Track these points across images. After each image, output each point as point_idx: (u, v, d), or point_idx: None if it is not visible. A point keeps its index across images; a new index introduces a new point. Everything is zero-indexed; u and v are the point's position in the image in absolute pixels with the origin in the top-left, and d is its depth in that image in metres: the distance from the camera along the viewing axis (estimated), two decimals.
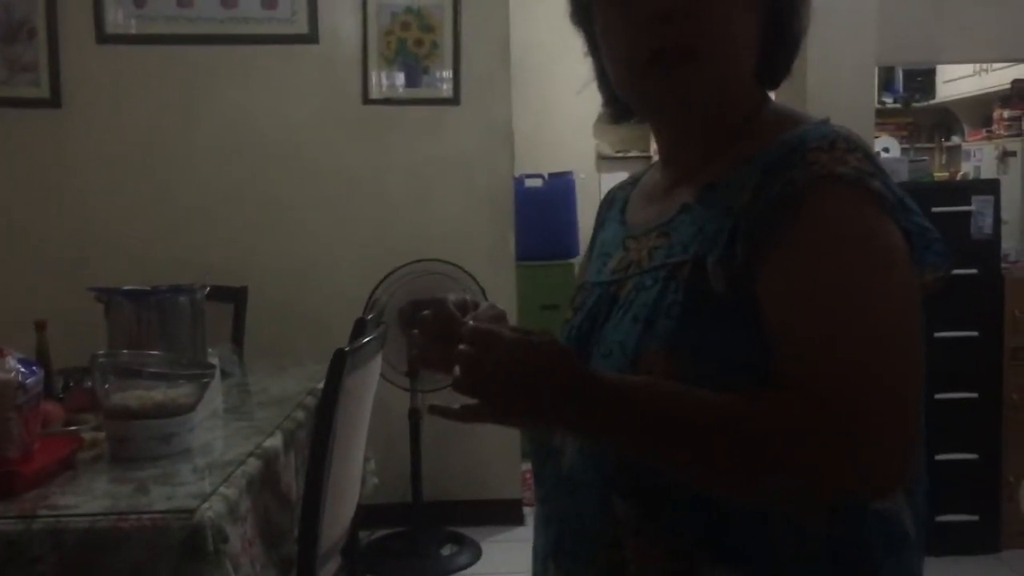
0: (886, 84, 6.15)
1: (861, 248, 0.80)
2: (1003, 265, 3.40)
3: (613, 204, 1.11)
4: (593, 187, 6.15)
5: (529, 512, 3.84)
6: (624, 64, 0.93)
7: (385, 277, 3.35)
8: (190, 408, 1.88)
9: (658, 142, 1.02)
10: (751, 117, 0.94)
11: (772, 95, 1.01)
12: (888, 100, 6.18)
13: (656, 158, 1.06)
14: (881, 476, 0.76)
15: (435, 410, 0.86)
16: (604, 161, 6.34)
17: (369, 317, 2.34)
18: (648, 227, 0.97)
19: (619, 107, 1.02)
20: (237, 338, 3.19)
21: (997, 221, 3.28)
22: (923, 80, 6.08)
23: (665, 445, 0.80)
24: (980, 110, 5.60)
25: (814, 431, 0.74)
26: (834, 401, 0.74)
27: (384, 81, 3.65)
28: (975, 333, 3.27)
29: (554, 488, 0.97)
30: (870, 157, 0.85)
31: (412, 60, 3.64)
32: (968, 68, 5.39)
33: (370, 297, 3.33)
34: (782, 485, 0.77)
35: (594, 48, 0.99)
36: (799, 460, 0.75)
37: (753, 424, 0.76)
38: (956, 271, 3.03)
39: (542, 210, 4.87)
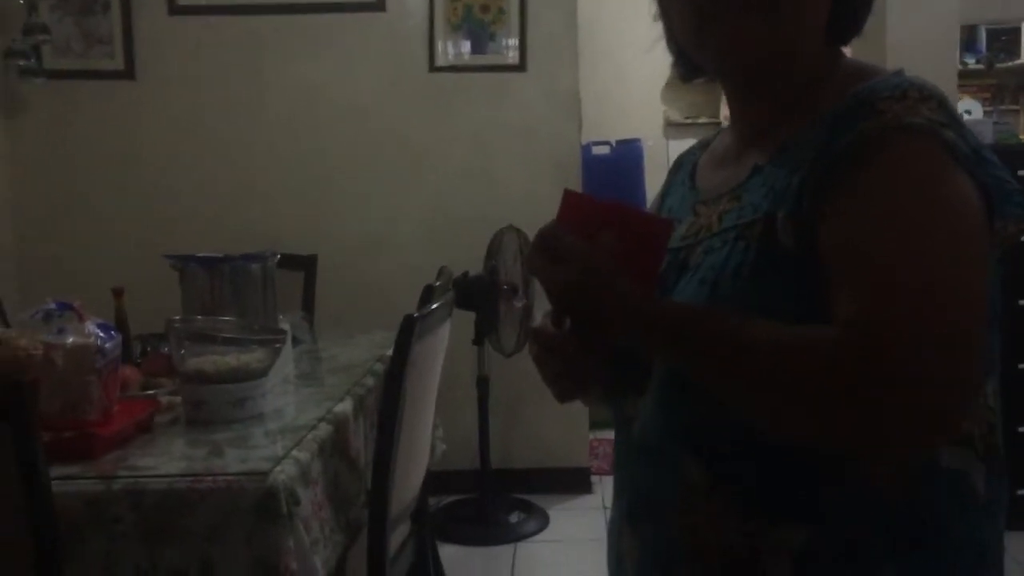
0: (968, 44, 5.91)
1: (926, 196, 0.77)
2: None
3: (681, 169, 1.09)
4: (661, 154, 6.06)
5: (596, 481, 3.84)
6: (686, 18, 0.91)
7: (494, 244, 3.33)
8: (262, 373, 1.91)
9: (729, 103, 1.00)
10: (823, 74, 0.91)
11: (848, 53, 0.97)
12: (970, 61, 5.94)
13: (726, 124, 1.02)
14: (921, 421, 0.72)
15: (537, 334, 0.91)
16: (672, 128, 6.24)
17: (437, 284, 2.34)
18: (719, 191, 0.95)
19: (688, 65, 1.00)
20: (307, 306, 3.23)
21: None
22: (1007, 39, 5.83)
23: (707, 358, 0.80)
24: None
25: (847, 368, 0.72)
26: (880, 338, 0.72)
27: (450, 48, 3.64)
28: None
29: (626, 455, 0.97)
30: (944, 106, 0.82)
31: (478, 26, 3.62)
32: None
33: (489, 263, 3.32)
34: (811, 418, 0.75)
35: (663, 6, 0.97)
36: (826, 394, 0.73)
37: (793, 351, 0.75)
38: None
39: (610, 178, 4.82)
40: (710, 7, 0.88)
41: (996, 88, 6.10)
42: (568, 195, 0.89)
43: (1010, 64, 5.90)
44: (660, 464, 0.90)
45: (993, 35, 5.86)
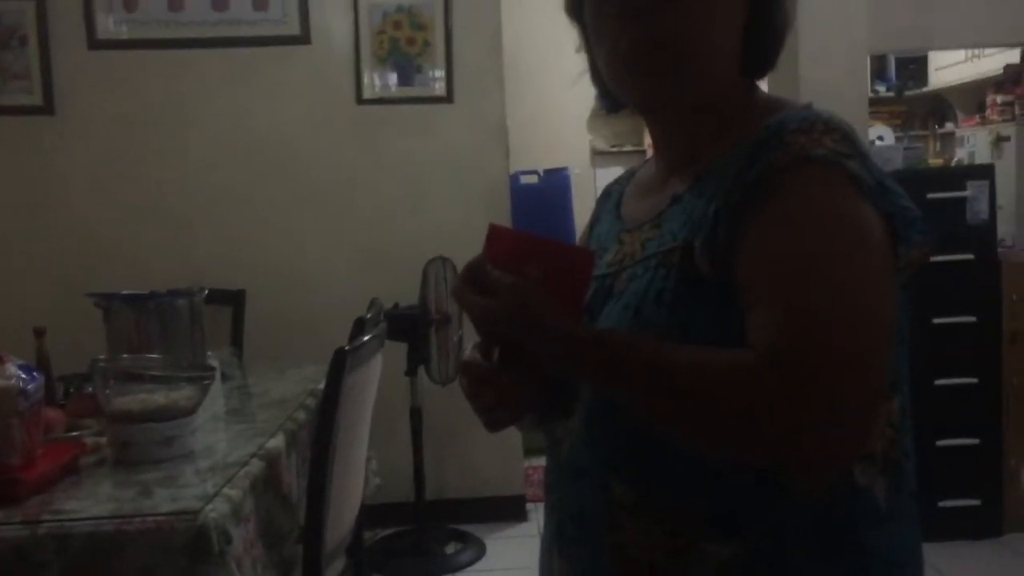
0: (879, 73, 6.16)
1: (830, 224, 0.82)
2: (999, 250, 3.41)
3: (609, 199, 1.13)
4: (588, 182, 6.15)
5: (532, 508, 3.85)
6: (608, 56, 0.95)
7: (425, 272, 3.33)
8: (191, 410, 1.88)
9: (651, 135, 1.04)
10: (738, 107, 0.96)
11: (764, 86, 1.02)
12: (881, 89, 6.18)
13: (651, 151, 1.07)
14: (828, 442, 0.77)
15: (467, 367, 0.93)
16: (599, 156, 6.35)
17: (368, 316, 2.34)
18: (642, 220, 0.99)
19: (611, 99, 1.03)
20: (236, 341, 3.19)
21: (993, 206, 3.28)
22: (915, 67, 6.09)
23: (631, 382, 0.84)
24: (973, 96, 5.61)
25: (765, 389, 0.76)
26: (785, 362, 0.76)
27: (377, 80, 3.65)
28: (973, 318, 3.28)
29: (556, 476, 1.00)
30: (849, 138, 0.87)
31: (404, 59, 3.64)
32: (960, 54, 5.39)
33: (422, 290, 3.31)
34: (734, 439, 0.80)
35: (587, 41, 1.01)
36: (745, 416, 0.77)
37: (714, 374, 0.79)
38: (953, 256, 3.04)
39: (538, 206, 4.86)
40: (630, 48, 0.92)
41: (906, 114, 6.36)
42: (493, 229, 0.92)
43: (919, 91, 6.15)
44: (588, 484, 0.93)
45: (902, 64, 6.11)
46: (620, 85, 0.97)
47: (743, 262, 0.83)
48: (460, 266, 0.91)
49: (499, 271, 0.87)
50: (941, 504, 3.22)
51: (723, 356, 0.80)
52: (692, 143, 0.97)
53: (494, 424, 0.96)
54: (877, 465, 0.88)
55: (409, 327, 3.26)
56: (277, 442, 2.01)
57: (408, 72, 3.66)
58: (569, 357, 0.86)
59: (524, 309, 0.85)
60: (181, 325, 2.16)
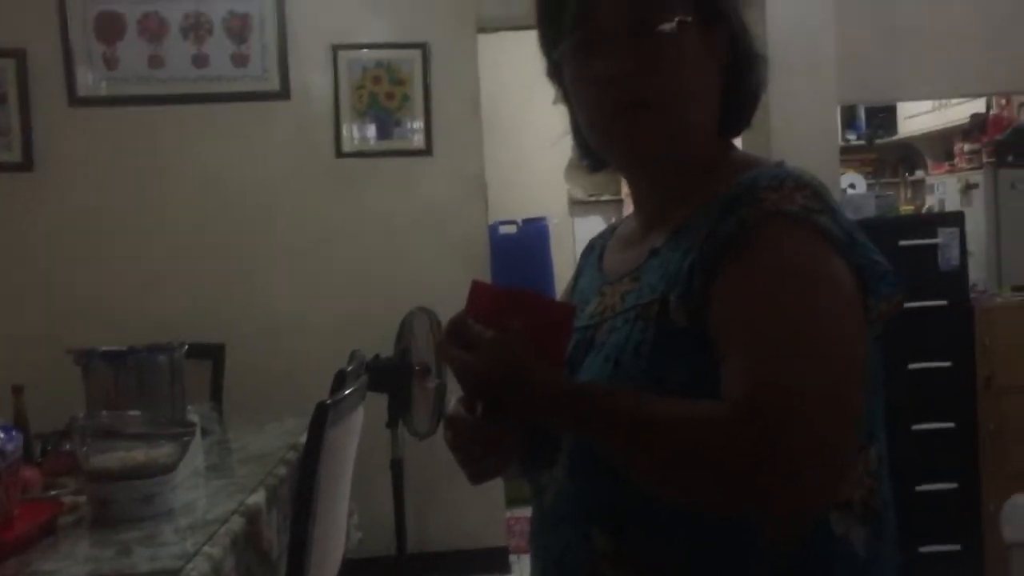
0: (849, 122, 6.28)
1: (801, 277, 0.84)
2: (972, 295, 3.46)
3: (592, 252, 1.16)
4: (567, 231, 6.21)
5: (515, 559, 3.82)
6: (590, 118, 0.99)
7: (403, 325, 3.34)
8: (171, 468, 1.87)
9: (631, 191, 1.08)
10: (714, 163, 0.99)
11: (739, 141, 1.05)
12: (852, 137, 6.30)
13: (628, 200, 1.10)
14: (799, 492, 0.78)
15: (451, 421, 0.94)
16: (577, 205, 6.41)
17: (349, 369, 2.35)
18: (622, 273, 1.02)
19: (594, 157, 1.07)
20: (216, 395, 3.17)
21: (964, 252, 3.34)
22: (885, 117, 6.21)
23: (611, 434, 0.85)
24: (941, 144, 5.72)
25: (737, 440, 0.78)
26: (760, 415, 0.78)
27: (356, 134, 3.69)
28: (948, 363, 3.31)
29: (540, 525, 1.01)
30: (819, 195, 0.90)
31: (383, 113, 3.69)
32: (928, 104, 5.51)
33: (398, 341, 3.30)
34: (711, 490, 0.81)
35: (568, 102, 1.04)
36: (722, 467, 0.79)
37: (689, 426, 0.81)
38: (926, 303, 3.08)
39: (517, 256, 4.91)
40: (612, 110, 0.95)
41: (877, 162, 6.47)
42: (476, 285, 0.94)
43: (888, 140, 6.27)
44: (570, 532, 0.94)
45: (871, 113, 6.23)
46: (602, 145, 1.01)
47: (716, 314, 0.86)
48: (441, 317, 0.93)
49: (481, 326, 0.89)
50: (921, 550, 3.22)
51: (698, 408, 0.82)
52: (670, 198, 1.00)
53: (478, 477, 0.98)
54: (855, 513, 0.89)
55: (390, 378, 3.25)
56: (257, 498, 1.99)
57: (387, 126, 3.70)
58: (549, 410, 0.88)
59: (505, 363, 0.87)
60: (161, 381, 2.16)
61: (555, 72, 1.03)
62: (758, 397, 0.79)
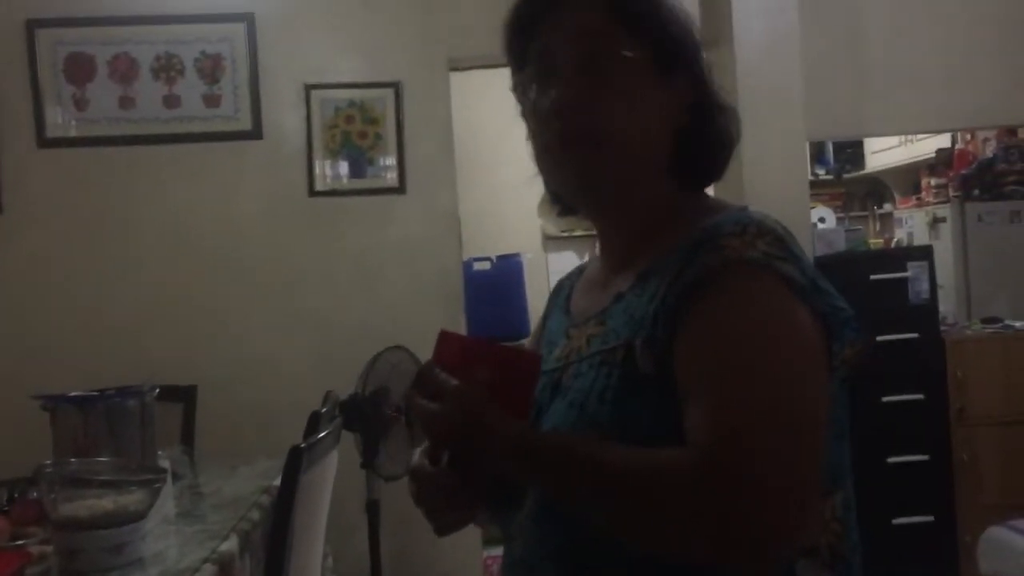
0: (817, 156, 6.37)
1: (762, 324, 0.85)
2: (942, 328, 3.50)
3: (560, 293, 1.16)
4: (541, 267, 6.21)
5: None
6: (538, 151, 1.01)
7: (370, 366, 3.32)
8: (141, 515, 1.83)
9: (597, 232, 1.08)
10: (673, 208, 1.00)
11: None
12: (821, 172, 6.39)
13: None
14: (764, 535, 0.78)
15: (416, 472, 0.95)
16: (550, 241, 6.42)
17: (323, 411, 2.32)
18: (587, 316, 1.02)
19: (560, 201, 1.08)
20: (187, 438, 3.13)
21: (933, 286, 3.38)
22: (852, 152, 6.31)
23: (573, 486, 0.86)
24: (908, 178, 5.82)
25: (697, 488, 0.78)
26: (717, 461, 0.78)
27: (329, 173, 3.69)
28: (921, 396, 3.35)
29: (509, 568, 1.01)
30: (782, 241, 0.90)
31: (356, 152, 3.69)
32: (894, 139, 5.61)
33: (363, 383, 3.27)
34: (669, 536, 0.81)
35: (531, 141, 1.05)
36: (680, 513, 0.79)
37: (649, 475, 0.81)
38: (898, 336, 3.11)
39: (491, 292, 4.91)
40: (552, 141, 0.97)
41: (845, 196, 6.56)
42: (443, 334, 0.94)
43: (856, 174, 6.36)
44: (533, 575, 0.94)
45: (839, 148, 6.33)
46: (550, 178, 1.03)
47: (680, 361, 0.86)
48: (418, 355, 0.93)
49: (446, 375, 0.89)
50: None
51: (658, 457, 0.82)
52: (631, 242, 1.01)
53: (444, 529, 0.97)
54: (823, 559, 0.89)
55: (364, 417, 3.22)
56: (230, 545, 1.96)
57: (360, 164, 3.70)
58: (513, 460, 0.88)
59: (469, 413, 0.87)
60: (131, 425, 2.12)
61: (521, 110, 1.04)
62: (717, 448, 0.79)
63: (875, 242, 5.30)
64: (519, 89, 1.01)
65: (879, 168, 6.11)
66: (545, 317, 1.17)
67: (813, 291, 0.87)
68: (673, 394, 0.86)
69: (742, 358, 0.83)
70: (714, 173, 1.03)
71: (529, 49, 0.99)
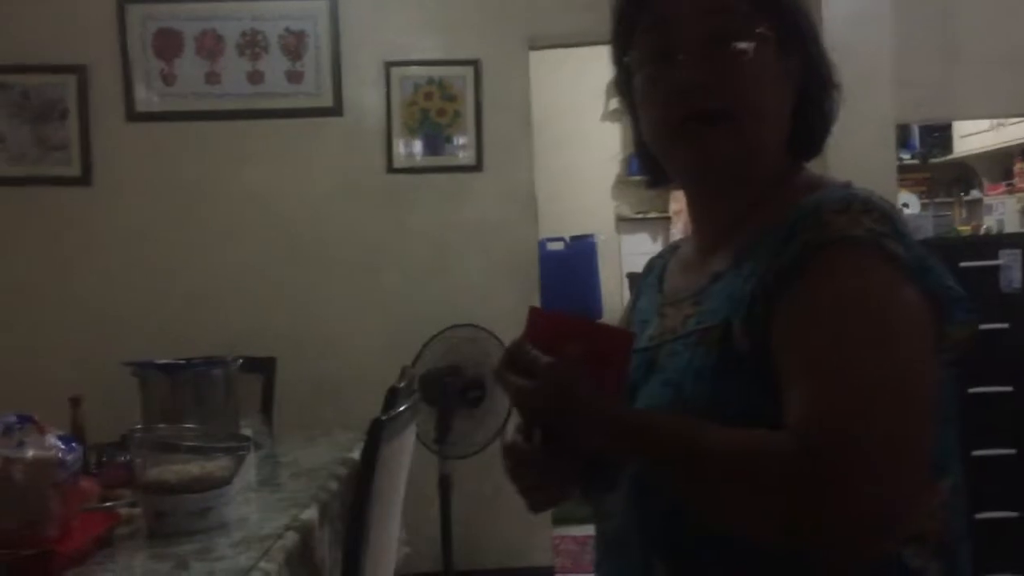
0: (903, 140, 6.18)
1: (867, 305, 0.82)
2: None
3: (651, 272, 1.14)
4: (613, 248, 6.18)
5: None
6: (657, 127, 0.98)
7: (426, 344, 3.35)
8: (227, 481, 1.87)
9: (690, 210, 1.06)
10: (779, 184, 0.97)
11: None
12: (906, 156, 6.20)
13: (675, 218, 1.08)
14: (867, 521, 0.76)
15: (509, 449, 0.94)
16: (624, 222, 6.38)
17: (402, 385, 2.34)
18: (683, 295, 1.00)
19: (654, 172, 1.05)
20: (266, 409, 3.19)
21: None
22: (939, 135, 6.11)
23: (670, 465, 0.84)
24: (999, 163, 5.61)
25: (800, 471, 0.76)
26: (821, 443, 0.76)
27: (407, 150, 3.71)
28: (1010, 388, 3.23)
29: (605, 551, 1.00)
30: (888, 218, 0.87)
31: (435, 129, 3.70)
32: (984, 123, 5.41)
33: (414, 362, 3.32)
34: (768, 522, 0.79)
35: (634, 114, 1.02)
36: (779, 499, 0.77)
37: (750, 456, 0.79)
38: (987, 326, 3.01)
39: (565, 272, 4.90)
40: (685, 119, 0.93)
41: (931, 182, 6.36)
42: (533, 311, 0.93)
43: (943, 159, 6.16)
44: (630, 559, 0.93)
45: (926, 131, 6.13)
46: (668, 157, 0.99)
47: (779, 342, 0.84)
48: (494, 333, 0.92)
49: (538, 352, 0.88)
50: None
51: (759, 438, 0.80)
52: (733, 218, 0.98)
53: (537, 505, 0.97)
54: (929, 548, 0.86)
55: (440, 394, 3.25)
56: (310, 513, 1.99)
57: (438, 142, 3.71)
58: (608, 437, 0.87)
59: (563, 389, 0.86)
60: (216, 394, 2.17)
61: (623, 81, 1.02)
62: (820, 429, 0.77)
63: (963, 229, 5.14)
64: (630, 64, 0.99)
65: (967, 153, 5.90)
66: (636, 296, 1.15)
67: (921, 270, 0.84)
68: (771, 375, 0.83)
69: (847, 337, 0.81)
70: (819, 148, 1.00)
71: (641, 20, 0.97)
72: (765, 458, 0.78)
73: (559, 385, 0.86)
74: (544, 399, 0.86)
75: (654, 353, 0.97)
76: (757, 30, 0.93)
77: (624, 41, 1.00)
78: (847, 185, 0.94)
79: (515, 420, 0.96)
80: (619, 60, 1.01)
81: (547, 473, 0.93)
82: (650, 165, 1.05)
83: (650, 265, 1.18)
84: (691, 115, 0.93)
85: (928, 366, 0.83)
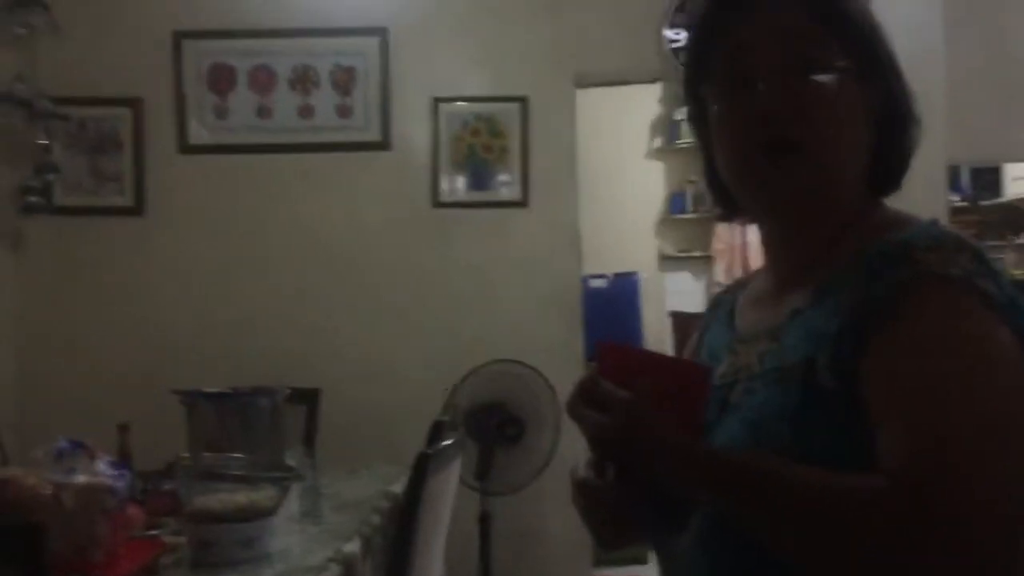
0: (952, 182, 6.09)
1: (964, 345, 0.80)
2: None
3: (719, 307, 1.12)
4: (656, 286, 6.14)
5: None
6: (732, 157, 0.96)
7: (462, 380, 3.34)
8: (272, 511, 1.87)
9: (766, 245, 1.03)
10: (858, 219, 0.95)
11: None
12: (955, 198, 6.11)
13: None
14: (965, 570, 0.73)
15: (581, 485, 0.92)
16: (667, 260, 6.35)
17: (446, 420, 2.33)
18: (757, 331, 0.98)
19: (728, 203, 1.03)
20: (308, 440, 3.19)
21: None
22: (990, 177, 6.02)
23: (752, 505, 0.81)
24: None
25: (892, 514, 0.74)
26: (921, 489, 0.73)
27: (453, 185, 3.73)
28: None
29: None
30: (980, 257, 0.85)
31: (481, 165, 3.72)
32: None
33: (451, 397, 3.31)
34: (859, 565, 0.76)
35: (705, 144, 1.01)
36: (877, 544, 0.74)
37: (837, 500, 0.77)
38: None
39: (607, 309, 4.88)
40: (757, 146, 0.92)
41: (981, 224, 6.26)
42: (603, 345, 0.91)
43: (993, 201, 6.07)
44: None
45: (976, 173, 6.05)
46: (743, 187, 0.97)
47: (873, 382, 0.81)
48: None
49: (613, 385, 0.86)
50: None
51: (848, 479, 0.78)
52: (809, 253, 0.96)
53: (609, 544, 0.94)
54: None
55: (483, 429, 3.23)
56: (353, 547, 1.98)
57: (484, 177, 3.73)
58: (686, 475, 0.84)
59: (639, 425, 0.84)
60: (262, 424, 2.17)
61: (696, 112, 1.00)
62: (920, 469, 0.74)
63: (1016, 272, 5.04)
64: (702, 99, 0.97)
65: (1020, 195, 5.81)
66: (702, 332, 1.12)
67: (1013, 308, 0.82)
68: (858, 414, 0.81)
69: (942, 380, 0.78)
70: (897, 183, 0.98)
71: (718, 49, 0.96)
72: (857, 497, 0.76)
73: (634, 419, 0.84)
74: (618, 433, 0.85)
75: (727, 391, 0.95)
76: (838, 63, 0.91)
77: (700, 69, 0.98)
78: (934, 223, 0.92)
79: (571, 456, 0.94)
80: (694, 90, 1.00)
81: (619, 510, 0.91)
82: (723, 197, 1.03)
83: (716, 300, 1.15)
84: (766, 146, 0.91)
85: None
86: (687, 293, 6.04)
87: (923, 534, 0.72)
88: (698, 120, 1.01)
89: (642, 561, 3.48)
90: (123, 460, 2.18)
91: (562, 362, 3.61)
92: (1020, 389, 0.80)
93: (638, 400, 0.84)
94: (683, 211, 6.20)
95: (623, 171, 6.07)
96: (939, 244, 0.85)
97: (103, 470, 1.67)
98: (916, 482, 0.74)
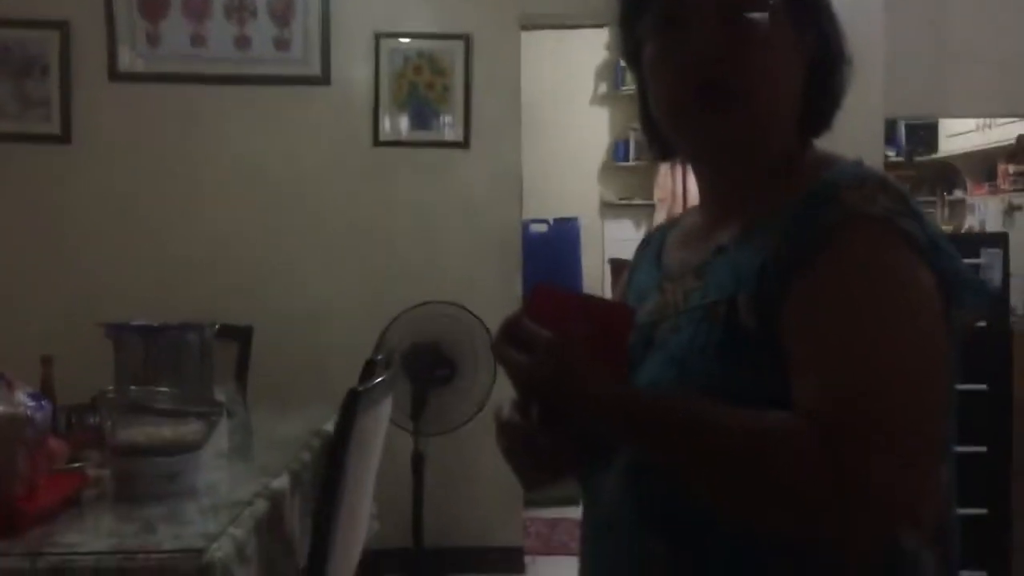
0: (889, 137, 6.18)
1: (882, 286, 0.81)
2: (1011, 318, 3.40)
3: (649, 246, 1.11)
4: (597, 233, 6.16)
5: (530, 561, 3.79)
6: (668, 102, 0.94)
7: (394, 320, 3.33)
8: (198, 446, 1.85)
9: (698, 184, 1.03)
10: (790, 161, 0.95)
11: None
12: (891, 153, 6.21)
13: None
14: (881, 510, 0.75)
15: (505, 426, 0.92)
16: (608, 208, 6.36)
17: (378, 359, 2.32)
18: (684, 269, 0.98)
19: (662, 146, 1.02)
20: (240, 377, 3.16)
21: (1006, 275, 3.27)
22: (925, 134, 6.13)
23: (676, 445, 0.82)
24: (983, 164, 5.64)
25: (810, 455, 0.75)
26: (838, 426, 0.75)
27: (394, 124, 3.67)
28: (984, 386, 3.25)
29: (592, 530, 0.98)
30: (903, 197, 0.86)
31: (423, 103, 3.66)
32: (971, 123, 5.43)
33: (380, 339, 3.30)
34: (782, 510, 0.78)
35: (641, 87, 1.00)
36: (796, 487, 0.76)
37: (757, 438, 0.78)
38: None
39: (547, 254, 4.87)
40: (696, 91, 0.91)
41: (915, 179, 6.38)
42: (538, 288, 0.90)
43: (928, 157, 6.18)
44: (622, 539, 0.91)
45: (912, 129, 6.15)
46: (676, 129, 0.96)
47: (790, 320, 0.82)
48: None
49: (538, 327, 0.86)
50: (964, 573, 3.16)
51: (769, 420, 0.78)
52: (741, 193, 0.96)
53: (532, 484, 0.95)
54: (927, 533, 0.85)
55: (417, 370, 3.23)
56: (282, 482, 1.97)
57: (426, 116, 3.68)
58: (610, 416, 0.84)
59: (563, 366, 0.83)
60: (190, 359, 2.14)
61: (633, 54, 0.99)
62: (838, 411, 0.75)
63: (944, 228, 5.16)
64: (638, 38, 0.96)
65: (953, 153, 5.93)
66: (632, 270, 1.12)
67: (934, 251, 0.83)
68: (778, 353, 0.82)
69: (861, 320, 0.79)
70: (828, 124, 0.98)
71: None
72: (779, 439, 0.76)
73: (560, 361, 0.83)
74: (543, 375, 0.84)
75: (653, 329, 0.95)
76: (772, 2, 0.90)
77: (635, 6, 0.97)
78: (859, 163, 0.92)
79: (505, 398, 0.93)
80: (629, 27, 0.98)
81: (544, 451, 0.91)
82: (657, 137, 1.02)
83: (647, 239, 1.15)
84: (699, 89, 0.90)
85: (941, 348, 0.82)
86: (628, 240, 6.02)
87: (845, 476, 0.73)
88: (633, 59, 0.99)
89: (573, 503, 3.54)
90: (45, 392, 2.13)
91: (500, 306, 3.56)
92: (937, 330, 0.81)
93: (562, 341, 0.84)
94: (626, 158, 6.21)
95: (567, 116, 6.03)
96: (862, 183, 0.85)
97: (22, 401, 1.62)
98: (836, 424, 0.75)
